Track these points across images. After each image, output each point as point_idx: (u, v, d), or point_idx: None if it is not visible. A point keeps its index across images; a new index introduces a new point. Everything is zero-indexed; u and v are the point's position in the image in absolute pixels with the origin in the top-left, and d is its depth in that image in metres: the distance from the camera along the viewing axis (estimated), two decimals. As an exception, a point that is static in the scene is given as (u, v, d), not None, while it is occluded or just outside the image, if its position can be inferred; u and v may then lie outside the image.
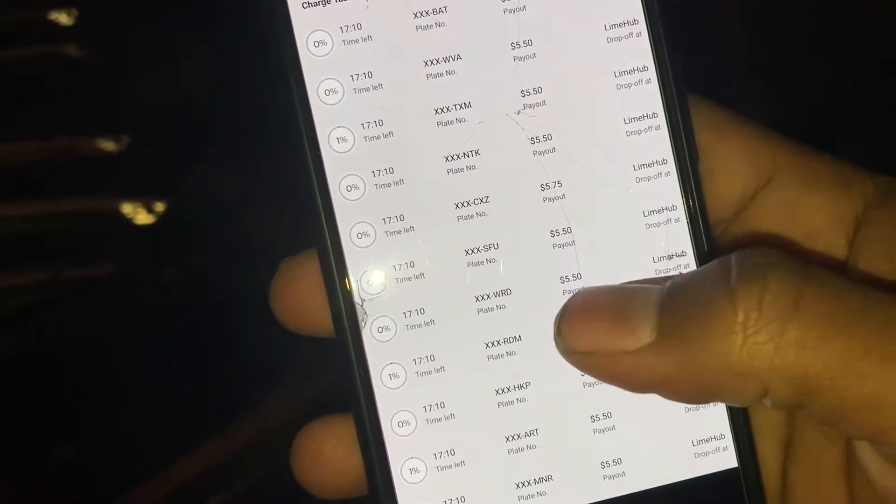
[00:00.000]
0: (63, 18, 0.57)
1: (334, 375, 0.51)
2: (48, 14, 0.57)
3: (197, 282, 0.56)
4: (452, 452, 0.22)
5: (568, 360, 0.21)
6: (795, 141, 0.25)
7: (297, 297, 0.24)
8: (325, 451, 0.24)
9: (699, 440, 0.23)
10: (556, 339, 0.21)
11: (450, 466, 0.22)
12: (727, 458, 0.23)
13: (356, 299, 0.22)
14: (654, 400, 0.21)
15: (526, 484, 0.22)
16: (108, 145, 0.57)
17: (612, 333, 0.20)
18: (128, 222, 0.56)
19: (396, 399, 0.22)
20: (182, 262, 0.56)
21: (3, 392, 0.51)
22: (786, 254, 0.20)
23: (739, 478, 0.23)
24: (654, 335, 0.19)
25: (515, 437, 0.23)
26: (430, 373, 0.22)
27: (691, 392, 0.20)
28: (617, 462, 0.23)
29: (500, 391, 0.22)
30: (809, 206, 0.24)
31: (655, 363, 0.20)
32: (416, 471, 0.22)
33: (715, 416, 0.23)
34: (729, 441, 0.23)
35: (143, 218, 0.56)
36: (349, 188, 0.22)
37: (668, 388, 0.20)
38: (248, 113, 0.60)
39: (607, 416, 0.23)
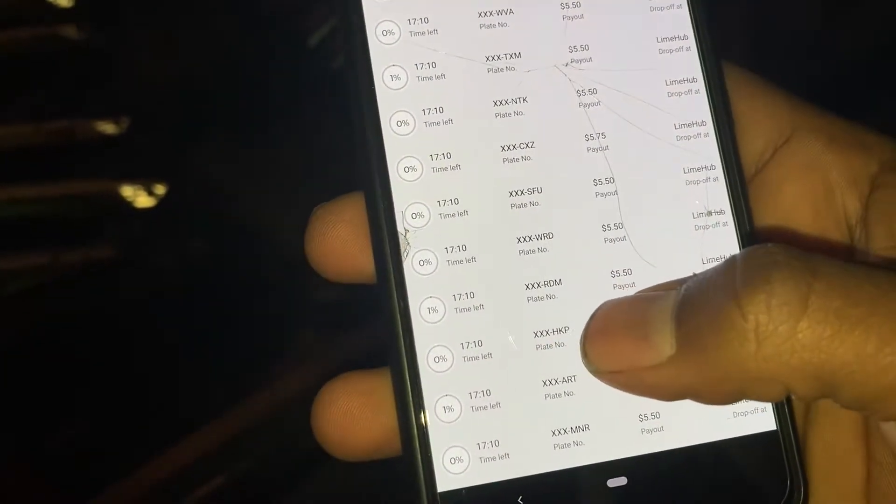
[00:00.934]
0: (62, 0, 0.57)
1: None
2: (47, -5, 0.57)
3: (198, 263, 0.56)
4: (488, 393, 0.22)
5: (596, 377, 0.22)
6: (815, 104, 0.25)
7: (334, 241, 0.23)
8: (353, 409, 0.23)
9: (737, 411, 0.23)
10: (583, 361, 0.22)
11: (485, 407, 0.22)
12: (765, 420, 0.23)
13: (399, 229, 0.22)
14: None
15: (562, 432, 0.22)
16: (108, 128, 0.57)
17: (634, 351, 0.20)
18: (128, 205, 0.56)
19: (434, 334, 0.22)
20: (183, 244, 0.56)
21: (4, 375, 0.51)
22: (791, 249, 0.20)
23: (778, 440, 0.23)
24: (673, 348, 0.20)
25: (553, 381, 0.22)
26: (468, 310, 0.22)
27: (718, 398, 0.20)
28: (655, 416, 0.23)
29: (538, 334, 0.22)
30: (826, 163, 0.24)
31: (678, 375, 0.20)
32: (451, 409, 0.22)
33: None
34: (767, 404, 0.23)
35: (143, 201, 0.55)
36: (399, 123, 0.23)
37: (695, 396, 0.20)
38: (248, 94, 0.60)
39: None
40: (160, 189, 0.55)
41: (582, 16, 0.24)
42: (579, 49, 0.24)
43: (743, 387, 0.19)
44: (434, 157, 0.23)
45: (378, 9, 0.23)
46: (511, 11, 0.24)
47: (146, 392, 0.52)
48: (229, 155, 0.58)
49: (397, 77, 0.23)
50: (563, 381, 0.22)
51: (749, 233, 0.24)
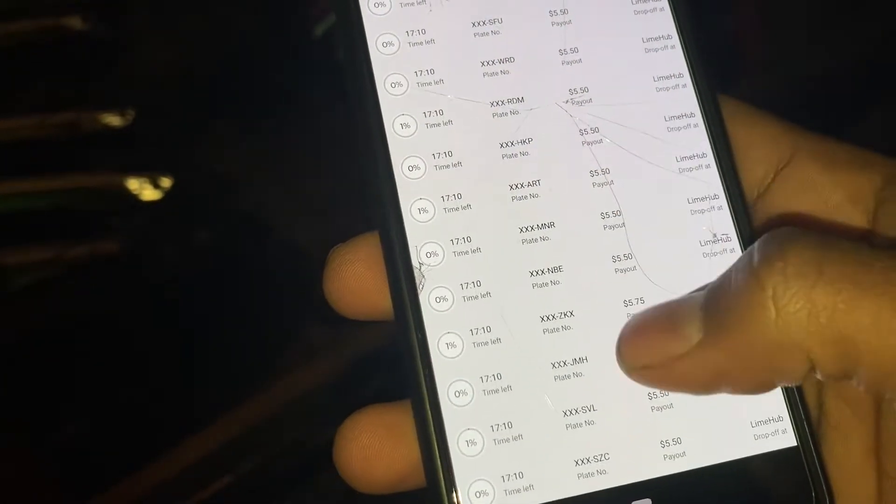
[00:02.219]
0: (66, -9, 0.57)
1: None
2: (50, -14, 0.56)
3: (204, 256, 0.55)
4: (510, 425, 0.22)
5: (633, 380, 0.22)
6: (813, 131, 0.26)
7: (351, 279, 0.24)
8: (375, 443, 0.23)
9: (757, 421, 0.23)
10: (618, 362, 0.22)
11: (507, 440, 0.22)
12: (786, 438, 0.23)
13: (414, 263, 0.23)
14: None
15: (585, 461, 0.22)
16: (114, 120, 0.56)
17: (664, 342, 0.21)
18: (134, 198, 0.55)
19: (453, 368, 0.23)
20: (189, 237, 0.56)
21: (11, 369, 0.51)
22: (805, 230, 0.20)
23: (800, 456, 0.23)
24: (700, 334, 0.20)
25: (573, 412, 0.23)
26: (486, 343, 0.23)
27: (748, 380, 0.20)
28: (677, 441, 0.23)
29: (556, 364, 0.23)
30: (828, 183, 0.24)
31: (707, 359, 0.20)
32: (473, 443, 0.22)
33: (771, 396, 0.23)
34: (787, 421, 0.23)
35: (149, 194, 0.55)
36: (411, 168, 0.24)
37: (727, 381, 0.20)
38: (254, 85, 0.59)
39: (664, 393, 0.23)
40: (166, 182, 0.55)
41: (580, 60, 0.25)
42: (579, 91, 0.25)
43: (769, 362, 0.19)
44: (445, 198, 0.24)
45: (387, 65, 0.25)
46: (512, 59, 0.25)
47: (151, 388, 0.52)
48: (235, 146, 0.58)
49: (407, 126, 0.24)
50: (584, 410, 0.23)
51: None
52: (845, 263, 0.19)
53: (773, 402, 0.23)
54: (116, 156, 0.56)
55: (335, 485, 0.51)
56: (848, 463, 0.23)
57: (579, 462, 0.22)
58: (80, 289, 0.54)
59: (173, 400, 0.52)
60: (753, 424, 0.23)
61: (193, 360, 0.53)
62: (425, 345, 0.23)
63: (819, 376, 0.20)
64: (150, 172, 0.55)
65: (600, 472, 0.22)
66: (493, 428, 0.22)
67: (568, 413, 0.23)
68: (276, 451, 0.50)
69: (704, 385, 0.21)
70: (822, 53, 0.60)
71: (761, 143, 0.25)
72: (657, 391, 0.23)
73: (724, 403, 0.23)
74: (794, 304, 0.19)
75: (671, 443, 0.23)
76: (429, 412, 0.22)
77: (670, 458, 0.23)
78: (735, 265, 0.20)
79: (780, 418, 0.23)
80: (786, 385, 0.22)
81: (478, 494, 0.22)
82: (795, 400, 0.23)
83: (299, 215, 0.56)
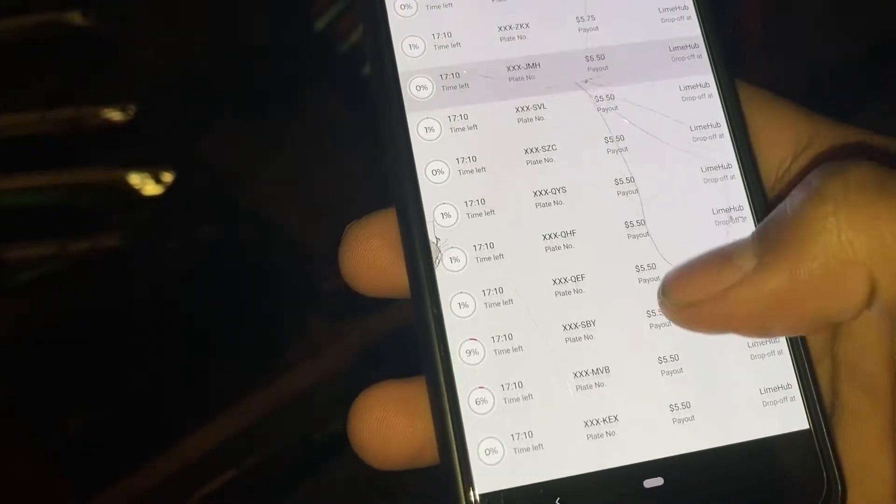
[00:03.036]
0: (66, -14, 0.57)
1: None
2: (50, -19, 0.56)
3: (206, 251, 0.55)
4: (520, 385, 0.22)
5: (678, 321, 0.22)
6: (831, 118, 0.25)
7: (368, 253, 0.24)
8: (389, 417, 0.23)
9: (770, 403, 0.23)
10: (661, 305, 0.22)
11: (517, 399, 0.22)
12: (799, 421, 0.23)
13: (431, 237, 0.23)
14: (720, 350, 0.23)
15: (594, 423, 0.22)
16: (115, 115, 0.56)
17: (718, 273, 0.20)
18: (136, 193, 0.55)
19: (465, 329, 0.23)
20: (190, 233, 0.56)
21: (14, 363, 0.51)
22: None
23: (812, 439, 0.23)
24: (755, 260, 0.20)
25: (584, 373, 0.23)
26: (498, 304, 0.23)
27: (805, 310, 0.20)
28: (689, 419, 0.23)
29: (567, 327, 0.23)
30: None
31: (764, 283, 0.20)
32: (484, 401, 0.22)
33: (784, 380, 0.24)
34: (800, 405, 0.23)
35: (150, 189, 0.55)
36: (427, 129, 0.24)
37: (783, 311, 0.20)
38: (255, 79, 0.59)
39: (674, 358, 0.23)
40: (167, 177, 0.55)
41: (597, 28, 0.25)
42: (595, 58, 0.25)
43: (830, 283, 0.19)
44: (460, 160, 0.24)
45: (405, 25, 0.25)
46: (527, 25, 0.25)
47: (155, 382, 0.52)
48: (236, 141, 0.58)
49: (424, 87, 0.24)
50: (594, 372, 0.23)
51: None
52: None
53: (787, 386, 0.23)
54: (118, 151, 0.56)
55: (339, 478, 0.51)
56: (863, 449, 0.23)
57: (589, 423, 0.22)
58: (83, 284, 0.54)
59: (177, 395, 0.52)
60: (766, 406, 0.23)
61: (196, 356, 0.53)
62: (440, 316, 0.23)
63: (876, 305, 0.19)
64: (152, 168, 0.55)
65: (609, 434, 0.22)
66: (503, 387, 0.22)
67: (578, 374, 0.23)
68: (280, 446, 0.50)
69: (758, 317, 0.20)
70: (826, 39, 0.60)
71: (780, 128, 0.25)
72: (667, 356, 0.23)
73: (737, 384, 0.23)
74: (856, 219, 0.18)
75: (684, 421, 0.23)
76: (441, 378, 0.22)
77: (682, 436, 0.23)
78: (791, 196, 0.20)
79: (793, 401, 0.23)
80: (842, 318, 0.21)
81: (487, 452, 0.22)
82: (808, 383, 0.23)
83: (301, 210, 0.56)
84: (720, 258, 0.21)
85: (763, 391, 0.23)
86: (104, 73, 0.58)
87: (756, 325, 0.21)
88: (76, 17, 0.57)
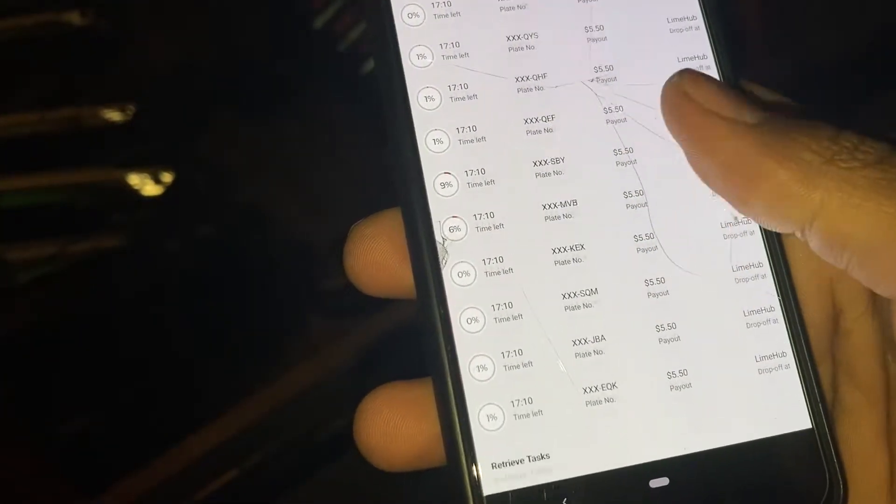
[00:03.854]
0: (64, -14, 0.57)
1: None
2: (49, -18, 0.56)
3: (205, 252, 0.55)
4: (530, 401, 0.22)
5: (666, 99, 0.23)
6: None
7: (374, 253, 0.24)
8: (396, 418, 0.23)
9: (772, 402, 0.23)
10: (670, 79, 0.23)
11: (527, 415, 0.22)
12: (801, 419, 0.23)
13: (438, 238, 0.23)
14: (727, 355, 0.23)
15: (603, 433, 0.22)
16: (114, 115, 0.56)
17: (727, 101, 0.22)
18: (135, 193, 0.55)
19: (474, 342, 0.23)
20: (191, 233, 0.56)
21: (14, 363, 0.51)
22: None
23: (815, 438, 0.23)
24: (754, 119, 0.22)
25: (593, 388, 0.23)
26: (507, 319, 0.23)
27: (760, 188, 0.21)
28: (694, 422, 0.23)
29: (576, 342, 0.23)
30: None
31: (745, 138, 0.21)
32: (494, 417, 0.22)
33: (787, 379, 0.24)
34: (803, 404, 0.23)
35: (150, 189, 0.55)
36: (435, 141, 0.24)
37: (743, 168, 0.21)
38: (253, 78, 0.59)
39: (683, 373, 0.23)
40: (167, 177, 0.55)
41: (605, 38, 0.25)
42: (604, 69, 0.25)
43: (795, 176, 0.21)
44: (469, 172, 0.24)
45: (413, 35, 0.25)
46: (537, 35, 0.25)
47: (155, 382, 0.52)
48: (235, 140, 0.58)
49: (431, 98, 0.24)
50: (604, 388, 0.23)
51: (778, 238, 0.24)
52: None
53: (790, 385, 0.24)
54: (117, 151, 0.56)
55: (339, 477, 0.51)
56: (859, 447, 0.23)
57: (598, 436, 0.22)
58: (83, 285, 0.54)
59: (178, 395, 0.52)
60: (770, 409, 0.23)
61: (196, 355, 0.53)
62: (447, 319, 0.23)
63: (813, 240, 0.21)
64: (152, 167, 0.55)
65: (621, 447, 0.22)
66: (513, 403, 0.22)
67: (588, 390, 0.23)
68: (282, 445, 0.50)
69: (722, 153, 0.22)
70: (827, 37, 0.60)
71: None
72: (676, 370, 0.23)
73: (741, 391, 0.23)
74: (846, 156, 0.20)
75: (689, 423, 0.23)
76: (450, 385, 0.22)
77: (688, 438, 0.23)
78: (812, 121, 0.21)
79: (795, 400, 0.23)
80: (777, 219, 0.23)
81: (494, 466, 0.22)
82: (811, 382, 0.23)
83: (301, 208, 0.56)
84: (731, 93, 0.22)
85: (767, 391, 0.23)
86: (103, 72, 0.58)
87: (721, 164, 0.22)
88: (75, 18, 0.57)
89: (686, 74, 0.23)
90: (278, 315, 0.54)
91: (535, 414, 0.22)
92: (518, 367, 0.23)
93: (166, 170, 0.55)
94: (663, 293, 0.23)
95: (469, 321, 0.23)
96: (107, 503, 0.47)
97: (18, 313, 0.53)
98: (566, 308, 0.23)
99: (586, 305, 0.23)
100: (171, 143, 0.57)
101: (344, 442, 0.55)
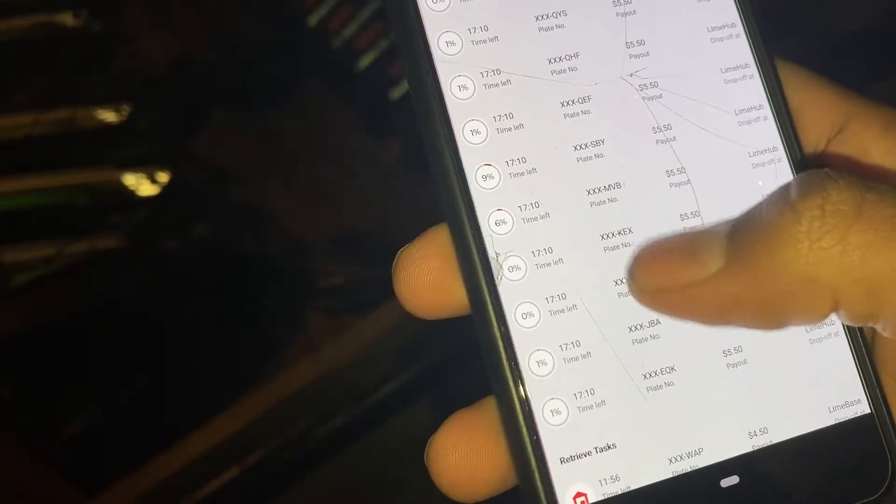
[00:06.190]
0: (58, -13, 0.57)
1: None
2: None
3: (203, 251, 0.55)
4: (592, 392, 0.23)
5: (642, 302, 0.21)
6: (866, 95, 0.25)
7: (427, 273, 0.23)
8: (476, 449, 0.23)
9: (832, 393, 0.23)
10: (629, 284, 0.22)
11: (591, 407, 0.22)
12: (860, 406, 0.23)
13: (491, 253, 0.23)
14: (782, 335, 0.23)
15: (668, 431, 0.23)
16: (109, 115, 0.56)
17: (683, 267, 0.20)
18: (131, 194, 0.55)
19: (532, 338, 0.23)
20: (188, 232, 0.56)
21: (14, 363, 0.51)
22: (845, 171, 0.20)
23: (875, 422, 0.23)
24: (721, 261, 0.20)
25: (652, 374, 0.23)
26: (562, 311, 0.23)
27: (764, 310, 0.20)
28: (759, 418, 0.23)
29: (633, 328, 0.23)
30: (882, 149, 0.24)
31: (726, 287, 0.20)
32: (558, 412, 0.22)
33: (843, 366, 0.24)
34: (861, 390, 0.24)
35: (147, 189, 0.55)
36: (473, 132, 0.24)
37: (742, 310, 0.20)
38: (248, 77, 0.59)
39: (738, 348, 0.23)
40: (163, 176, 0.55)
41: (635, 11, 0.25)
42: (636, 45, 0.25)
43: (789, 294, 0.19)
44: (510, 162, 0.23)
45: (440, 21, 0.24)
46: (565, 13, 0.25)
47: (154, 382, 0.52)
48: (230, 138, 0.58)
49: (465, 87, 0.24)
50: (663, 371, 0.23)
51: None
52: (885, 205, 0.19)
53: (846, 373, 0.24)
54: (113, 151, 0.56)
55: (339, 475, 0.51)
56: None
57: (664, 427, 0.22)
58: (82, 285, 0.54)
59: (178, 394, 0.52)
60: (828, 396, 0.23)
61: (195, 354, 0.53)
62: (503, 318, 0.22)
63: (842, 317, 0.20)
64: (148, 167, 0.55)
65: (691, 455, 0.22)
66: (576, 396, 0.22)
67: (647, 376, 0.23)
68: (282, 443, 0.50)
69: (717, 311, 0.20)
70: (834, 14, 0.60)
71: (815, 107, 0.25)
72: (731, 348, 0.23)
73: (798, 376, 0.23)
74: (828, 240, 0.19)
75: (753, 419, 0.23)
76: (511, 383, 0.22)
77: (753, 434, 0.23)
78: (768, 198, 0.20)
79: (853, 388, 0.24)
80: (800, 323, 0.21)
81: (562, 461, 0.22)
82: (868, 368, 0.24)
83: (298, 206, 0.56)
84: (687, 251, 0.21)
85: (829, 394, 0.23)
86: (98, 73, 0.58)
87: (718, 320, 0.21)
88: (68, 19, 0.57)
89: (632, 270, 0.22)
90: (277, 313, 0.55)
91: (598, 405, 0.22)
92: (577, 358, 0.23)
93: (162, 169, 0.55)
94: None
95: (524, 316, 0.23)
96: (107, 502, 0.48)
97: (18, 313, 0.53)
98: (619, 295, 0.23)
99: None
100: (167, 143, 0.57)
101: (343, 439, 0.55)
